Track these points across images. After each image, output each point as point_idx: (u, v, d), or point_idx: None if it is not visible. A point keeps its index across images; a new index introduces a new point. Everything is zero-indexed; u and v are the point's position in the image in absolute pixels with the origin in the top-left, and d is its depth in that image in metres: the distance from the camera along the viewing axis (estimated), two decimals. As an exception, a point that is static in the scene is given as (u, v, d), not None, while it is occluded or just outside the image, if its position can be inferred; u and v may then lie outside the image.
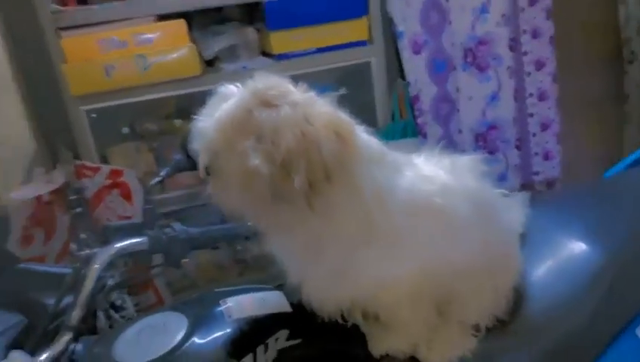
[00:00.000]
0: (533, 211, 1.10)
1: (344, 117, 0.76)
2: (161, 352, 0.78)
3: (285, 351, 0.82)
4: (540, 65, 1.79)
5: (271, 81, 0.74)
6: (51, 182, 1.48)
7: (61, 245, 1.48)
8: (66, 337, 0.87)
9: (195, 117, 0.80)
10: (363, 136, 0.79)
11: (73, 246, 1.03)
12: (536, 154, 1.86)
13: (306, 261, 0.79)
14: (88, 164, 1.55)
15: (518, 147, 1.81)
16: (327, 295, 0.82)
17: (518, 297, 0.93)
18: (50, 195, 1.46)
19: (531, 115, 1.83)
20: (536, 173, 1.87)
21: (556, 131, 1.86)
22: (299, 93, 0.75)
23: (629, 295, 0.93)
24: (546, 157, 1.86)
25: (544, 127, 1.84)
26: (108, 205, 1.53)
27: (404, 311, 0.85)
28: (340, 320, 0.86)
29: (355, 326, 0.88)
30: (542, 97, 1.82)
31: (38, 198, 1.45)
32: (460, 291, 0.87)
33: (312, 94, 0.76)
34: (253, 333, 0.83)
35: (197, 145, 0.76)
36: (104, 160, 1.64)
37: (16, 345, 0.86)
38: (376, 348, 0.87)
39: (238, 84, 0.76)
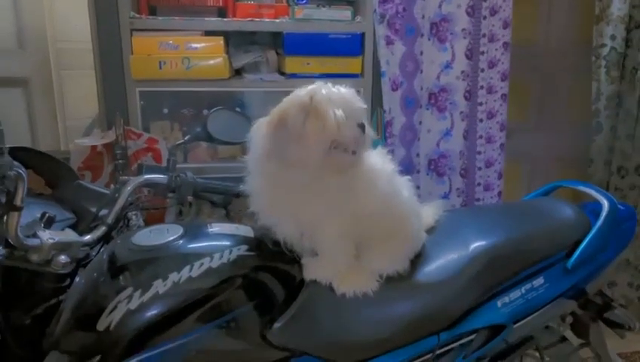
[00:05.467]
0: (450, 212, 1.33)
1: None
2: (161, 242, 1.02)
3: (242, 257, 1.02)
4: (491, 115, 1.99)
5: None
6: (105, 138, 1.75)
7: (103, 186, 1.75)
8: (103, 228, 1.15)
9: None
10: None
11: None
12: (479, 184, 2.05)
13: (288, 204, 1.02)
14: (134, 130, 1.81)
15: (462, 175, 1.99)
16: (290, 225, 1.04)
17: (418, 262, 1.13)
18: (102, 147, 1.73)
19: (479, 153, 2.02)
20: (478, 200, 2.07)
21: (498, 169, 2.05)
22: None
23: (494, 278, 1.15)
24: (487, 188, 2.06)
25: (488, 164, 2.03)
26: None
27: (334, 245, 1.05)
28: (288, 250, 1.07)
29: (295, 259, 1.09)
30: (489, 140, 2.02)
31: (93, 148, 1.72)
32: (370, 241, 1.08)
33: None
34: (223, 241, 1.04)
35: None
36: (146, 130, 1.88)
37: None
38: (308, 274, 1.06)
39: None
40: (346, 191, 1.03)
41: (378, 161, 1.10)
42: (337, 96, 1.00)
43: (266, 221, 1.08)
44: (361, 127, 1.01)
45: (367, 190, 1.05)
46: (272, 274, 1.06)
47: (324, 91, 1.00)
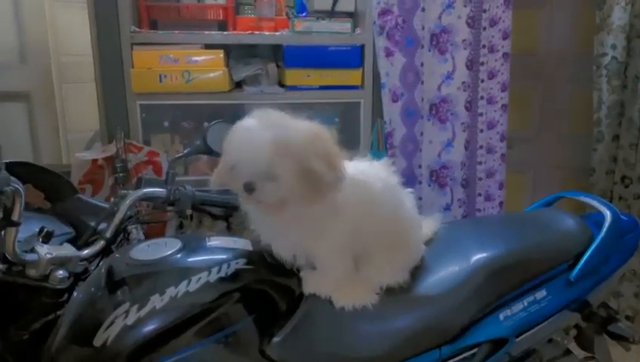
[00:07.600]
0: (449, 224, 1.31)
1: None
2: (159, 256, 1.01)
3: (240, 271, 1.01)
4: (491, 125, 1.99)
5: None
6: (106, 151, 1.76)
7: (104, 199, 1.76)
8: (101, 243, 1.15)
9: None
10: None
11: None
12: (480, 195, 2.05)
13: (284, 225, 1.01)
14: (135, 143, 1.82)
15: (463, 186, 1.99)
16: (282, 247, 1.05)
17: (418, 275, 1.12)
18: (103, 160, 1.74)
19: (480, 163, 2.02)
20: (479, 211, 2.07)
21: (498, 179, 2.04)
22: None
23: (495, 291, 1.13)
24: (488, 198, 2.05)
25: (489, 174, 2.03)
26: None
27: (333, 259, 1.05)
28: (287, 264, 1.06)
29: (294, 272, 1.08)
30: (490, 151, 2.01)
31: (94, 161, 1.73)
32: (370, 253, 1.07)
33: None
34: (221, 255, 1.03)
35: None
36: (147, 143, 1.89)
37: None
38: (307, 287, 1.06)
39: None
40: (326, 215, 1.01)
41: (382, 174, 1.09)
42: (242, 139, 0.96)
43: (263, 239, 1.08)
44: (247, 187, 0.94)
45: (356, 212, 1.03)
46: (270, 287, 1.05)
47: (239, 130, 0.97)
